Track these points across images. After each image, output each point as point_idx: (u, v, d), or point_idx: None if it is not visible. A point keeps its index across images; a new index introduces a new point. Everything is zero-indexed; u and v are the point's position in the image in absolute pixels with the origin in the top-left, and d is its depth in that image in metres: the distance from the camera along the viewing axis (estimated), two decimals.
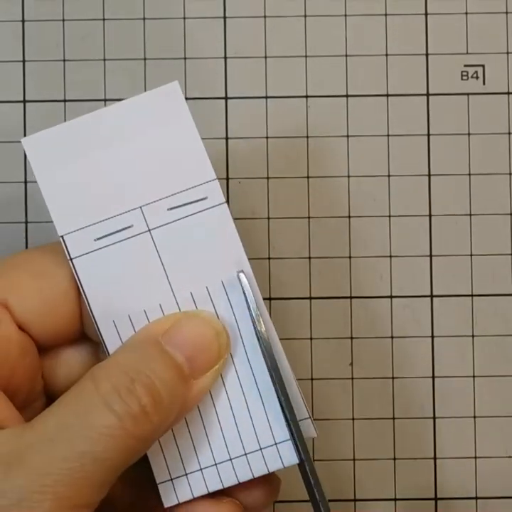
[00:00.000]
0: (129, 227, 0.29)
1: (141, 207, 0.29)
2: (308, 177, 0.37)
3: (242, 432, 0.30)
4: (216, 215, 0.29)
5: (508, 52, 0.37)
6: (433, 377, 0.37)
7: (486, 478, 0.37)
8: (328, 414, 0.37)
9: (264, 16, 0.37)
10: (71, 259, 0.29)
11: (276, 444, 0.30)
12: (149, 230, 0.29)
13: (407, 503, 0.37)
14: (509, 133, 0.37)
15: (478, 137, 0.37)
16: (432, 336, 0.37)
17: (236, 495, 0.31)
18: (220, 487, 0.30)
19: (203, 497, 0.30)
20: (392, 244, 0.37)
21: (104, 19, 0.37)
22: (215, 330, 0.29)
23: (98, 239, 0.29)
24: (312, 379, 0.37)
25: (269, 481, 0.31)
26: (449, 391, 0.37)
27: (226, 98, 0.37)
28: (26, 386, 0.30)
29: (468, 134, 0.37)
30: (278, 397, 0.29)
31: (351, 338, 0.37)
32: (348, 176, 0.37)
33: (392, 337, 0.37)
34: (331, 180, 0.37)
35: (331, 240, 0.37)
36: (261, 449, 0.30)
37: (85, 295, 0.29)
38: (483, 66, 0.37)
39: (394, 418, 0.37)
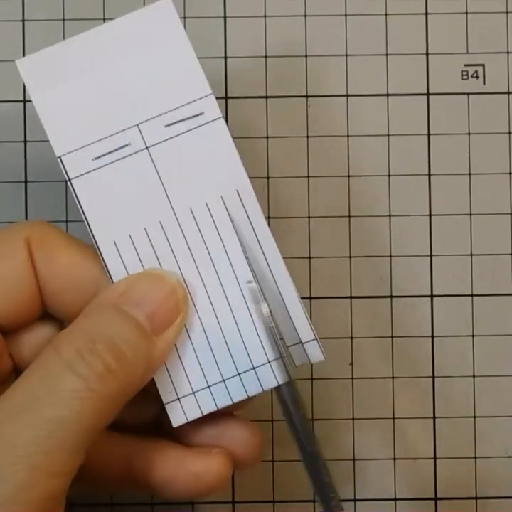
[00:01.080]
0: (127, 145, 0.29)
1: (138, 124, 0.29)
2: (308, 176, 0.37)
3: (248, 347, 0.29)
4: (213, 130, 0.29)
5: (508, 52, 0.37)
6: (433, 377, 0.37)
7: (486, 478, 0.37)
8: (328, 414, 0.37)
9: (264, 16, 0.37)
10: (70, 180, 0.29)
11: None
12: (147, 148, 0.29)
13: (407, 503, 0.37)
14: (509, 133, 0.37)
15: (478, 137, 0.37)
16: (432, 336, 0.37)
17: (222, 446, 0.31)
18: (229, 403, 0.30)
19: (192, 450, 0.30)
20: (392, 244, 0.37)
21: (104, 19, 0.37)
22: (170, 285, 0.29)
23: (96, 158, 0.29)
24: (312, 379, 0.37)
25: (250, 427, 0.31)
26: (449, 391, 0.37)
27: (226, 98, 0.37)
28: None
29: (469, 134, 0.37)
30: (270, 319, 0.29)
31: (351, 338, 0.37)
32: (348, 176, 0.37)
33: (392, 337, 0.37)
34: (331, 180, 0.37)
35: (331, 239, 0.37)
36: (269, 361, 0.30)
37: (85, 216, 0.29)
38: (483, 66, 0.37)
39: (394, 418, 0.37)
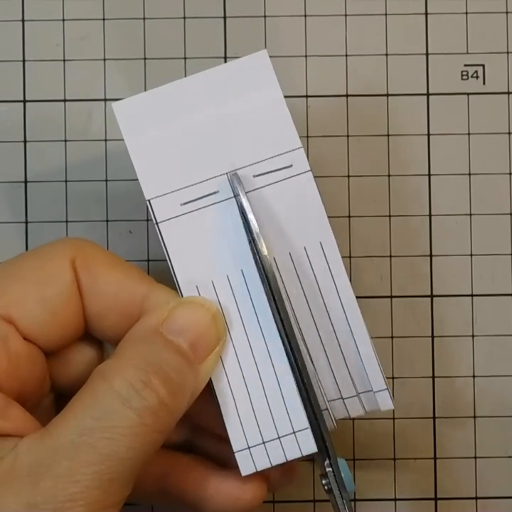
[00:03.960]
0: (215, 192, 0.30)
1: (227, 173, 0.30)
2: None
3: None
4: (301, 182, 0.30)
5: (508, 52, 0.37)
6: (433, 377, 0.37)
7: (486, 478, 0.37)
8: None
9: (264, 16, 0.37)
10: (157, 224, 0.30)
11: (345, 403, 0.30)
12: (235, 196, 0.30)
13: (407, 503, 0.37)
14: (509, 133, 0.37)
15: (478, 137, 0.37)
16: (432, 336, 0.37)
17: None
18: (298, 455, 0.30)
19: (228, 473, 0.30)
20: (392, 244, 0.37)
21: (104, 19, 0.37)
22: (212, 313, 0.29)
23: (184, 204, 0.30)
24: None
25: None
26: (449, 390, 0.37)
27: None
28: (37, 391, 0.30)
29: (469, 134, 0.37)
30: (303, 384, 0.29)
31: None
32: (348, 176, 0.37)
33: (392, 337, 0.37)
34: (330, 180, 0.37)
35: None
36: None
37: (170, 260, 0.30)
38: (483, 66, 0.37)
39: (394, 418, 0.37)
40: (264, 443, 0.30)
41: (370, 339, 0.30)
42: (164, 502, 0.32)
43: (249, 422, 0.30)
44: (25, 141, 0.37)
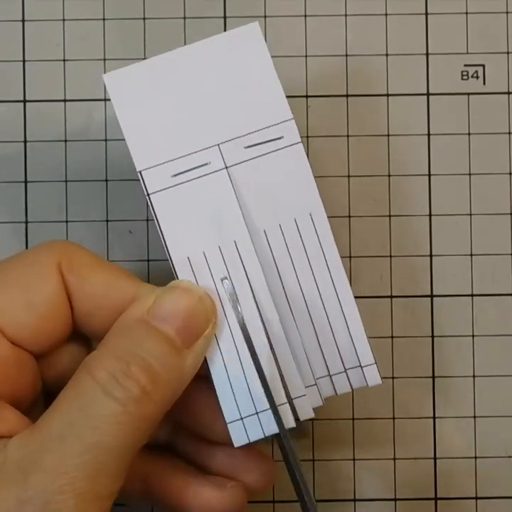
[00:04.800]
0: (207, 164, 0.30)
1: (218, 144, 0.30)
2: None
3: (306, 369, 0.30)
4: (291, 154, 0.30)
5: (508, 52, 0.37)
6: (433, 377, 0.37)
7: (486, 478, 0.37)
8: (328, 414, 0.37)
9: (265, 16, 0.37)
10: (148, 195, 0.30)
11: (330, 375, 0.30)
12: (226, 167, 0.30)
13: (407, 503, 0.37)
14: (509, 133, 0.37)
15: (478, 137, 0.37)
16: (432, 336, 0.37)
17: (236, 478, 0.31)
18: (292, 425, 0.30)
19: (208, 480, 0.31)
20: (392, 244, 0.37)
21: (104, 19, 0.37)
22: (198, 297, 0.29)
23: (175, 175, 0.30)
24: None
25: (265, 460, 0.32)
26: (449, 391, 0.37)
27: None
28: (29, 393, 0.30)
29: (469, 134, 0.37)
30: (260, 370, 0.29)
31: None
32: (348, 176, 0.37)
33: (392, 337, 0.37)
34: (330, 180, 0.37)
35: None
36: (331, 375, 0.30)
37: (161, 231, 0.30)
38: (483, 66, 0.37)
39: (394, 418, 0.37)
40: (257, 413, 0.30)
41: (359, 314, 0.30)
42: (147, 503, 0.32)
43: (241, 395, 0.29)
44: (25, 141, 0.37)
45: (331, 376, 0.30)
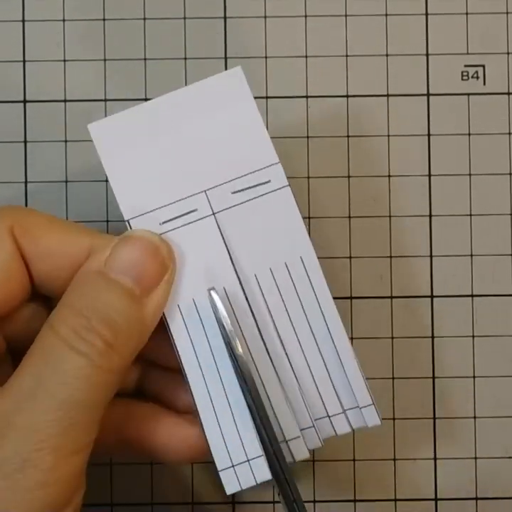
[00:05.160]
0: (194, 210, 0.30)
1: (205, 191, 0.30)
2: (308, 177, 0.37)
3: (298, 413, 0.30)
4: (279, 198, 0.30)
5: (508, 52, 0.37)
6: (433, 377, 0.37)
7: (486, 478, 0.37)
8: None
9: (265, 16, 0.37)
10: None
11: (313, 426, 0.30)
12: (214, 214, 0.30)
13: (407, 503, 0.37)
14: (509, 133, 0.37)
15: (478, 137, 0.37)
16: (432, 336, 0.37)
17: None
18: (290, 460, 0.30)
19: (182, 418, 0.31)
20: (392, 244, 0.37)
21: (104, 19, 0.37)
22: (153, 244, 0.29)
23: (164, 222, 0.30)
24: None
25: None
26: (449, 391, 0.37)
27: None
28: None
29: (469, 134, 0.37)
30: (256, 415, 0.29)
31: (351, 338, 0.37)
32: (348, 176, 0.37)
33: (392, 337, 0.37)
34: (331, 180, 0.37)
35: (331, 239, 0.37)
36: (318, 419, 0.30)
37: None
38: (483, 66, 0.37)
39: (394, 418, 0.37)
40: (248, 461, 0.30)
41: (355, 355, 0.30)
42: (123, 453, 0.33)
43: (232, 440, 0.30)
44: (25, 141, 0.37)
45: (329, 417, 0.30)
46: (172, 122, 0.30)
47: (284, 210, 0.30)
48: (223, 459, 0.29)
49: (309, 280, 0.30)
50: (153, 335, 0.29)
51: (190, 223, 0.30)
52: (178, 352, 0.30)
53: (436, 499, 0.37)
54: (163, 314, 0.30)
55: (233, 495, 0.36)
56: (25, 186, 0.37)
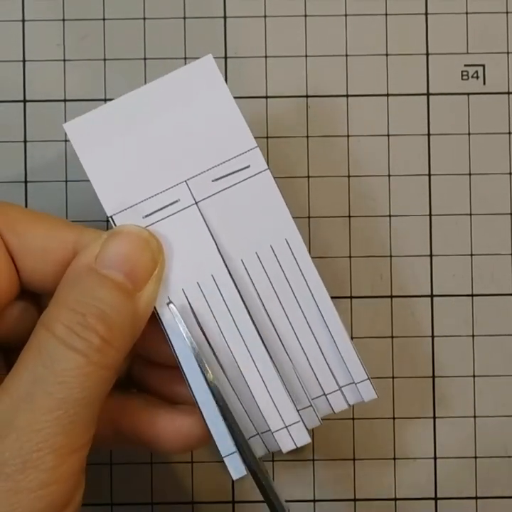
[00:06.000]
0: (176, 201, 0.30)
1: (186, 180, 0.30)
2: (308, 177, 0.37)
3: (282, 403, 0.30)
4: (260, 182, 0.30)
5: (508, 52, 0.37)
6: (433, 377, 0.37)
7: (485, 478, 0.37)
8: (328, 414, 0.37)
9: (264, 16, 0.37)
10: None
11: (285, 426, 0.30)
12: (196, 203, 0.30)
13: (407, 503, 0.37)
14: (509, 133, 0.37)
15: (478, 137, 0.37)
16: (432, 336, 0.37)
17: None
18: (293, 447, 0.30)
19: (176, 408, 0.31)
20: (392, 244, 0.37)
21: (104, 19, 0.37)
22: (143, 239, 0.29)
23: (147, 216, 0.30)
24: None
25: None
26: (449, 391, 0.37)
27: None
28: None
29: (469, 134, 0.37)
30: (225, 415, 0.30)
31: (351, 338, 0.37)
32: (348, 176, 0.37)
33: (392, 337, 0.37)
34: (331, 180, 0.37)
35: (331, 239, 0.37)
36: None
37: None
38: (483, 66, 0.37)
39: (394, 418, 0.37)
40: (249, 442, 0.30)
41: (347, 331, 0.30)
42: (120, 445, 0.33)
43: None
44: (25, 141, 0.37)
45: (326, 395, 0.31)
46: (148, 115, 0.30)
47: (265, 193, 0.30)
48: (226, 445, 0.30)
49: (296, 261, 0.30)
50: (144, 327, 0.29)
51: (173, 214, 0.30)
52: (171, 344, 0.30)
53: (436, 498, 0.37)
54: (154, 307, 0.30)
55: (233, 494, 0.37)
56: (25, 186, 0.37)
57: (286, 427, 0.30)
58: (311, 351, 0.30)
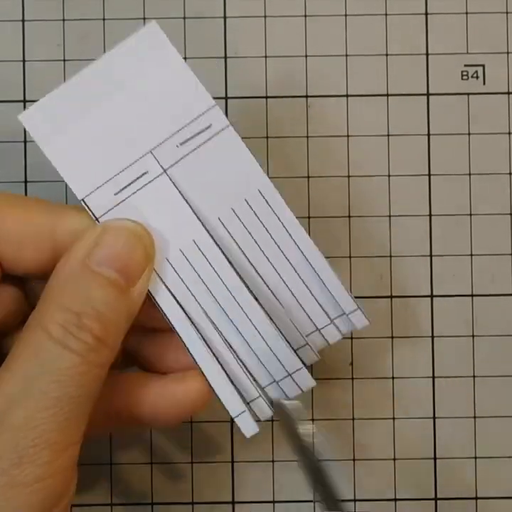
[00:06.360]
0: (145, 173, 0.30)
1: (151, 151, 0.30)
2: (308, 177, 0.37)
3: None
4: (224, 139, 0.30)
5: (508, 52, 0.37)
6: (433, 377, 0.37)
7: (486, 478, 0.37)
8: (328, 414, 0.37)
9: (264, 16, 0.37)
10: (97, 219, 0.30)
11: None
12: (165, 171, 0.30)
13: (407, 503, 0.37)
14: (509, 133, 0.37)
15: (478, 137, 0.37)
16: (432, 336, 0.37)
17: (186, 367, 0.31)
18: (298, 392, 0.31)
19: (168, 377, 0.31)
20: (392, 244, 0.37)
21: (104, 19, 0.37)
22: (136, 234, 0.29)
23: (117, 193, 0.30)
24: None
25: None
26: (449, 391, 0.37)
27: (226, 98, 0.37)
28: None
29: (469, 134, 0.37)
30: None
31: (351, 338, 0.37)
32: (348, 176, 0.37)
33: (392, 337, 0.37)
34: (331, 180, 0.37)
35: (331, 239, 0.37)
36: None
37: None
38: (483, 66, 0.37)
39: (394, 418, 0.37)
40: (259, 397, 0.30)
41: (331, 266, 0.30)
42: (112, 427, 0.33)
43: (240, 383, 0.30)
44: (25, 141, 0.37)
45: (319, 330, 0.31)
46: (102, 91, 0.30)
47: (231, 149, 0.30)
48: (234, 405, 0.30)
49: (271, 209, 0.30)
50: None
51: (144, 186, 0.30)
52: (165, 314, 0.30)
53: (436, 499, 0.37)
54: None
55: (233, 494, 0.37)
56: (25, 186, 0.37)
57: (289, 374, 0.30)
58: (299, 293, 0.31)
